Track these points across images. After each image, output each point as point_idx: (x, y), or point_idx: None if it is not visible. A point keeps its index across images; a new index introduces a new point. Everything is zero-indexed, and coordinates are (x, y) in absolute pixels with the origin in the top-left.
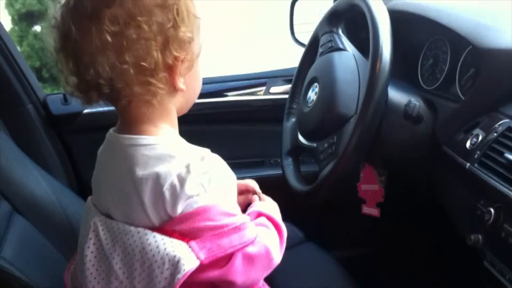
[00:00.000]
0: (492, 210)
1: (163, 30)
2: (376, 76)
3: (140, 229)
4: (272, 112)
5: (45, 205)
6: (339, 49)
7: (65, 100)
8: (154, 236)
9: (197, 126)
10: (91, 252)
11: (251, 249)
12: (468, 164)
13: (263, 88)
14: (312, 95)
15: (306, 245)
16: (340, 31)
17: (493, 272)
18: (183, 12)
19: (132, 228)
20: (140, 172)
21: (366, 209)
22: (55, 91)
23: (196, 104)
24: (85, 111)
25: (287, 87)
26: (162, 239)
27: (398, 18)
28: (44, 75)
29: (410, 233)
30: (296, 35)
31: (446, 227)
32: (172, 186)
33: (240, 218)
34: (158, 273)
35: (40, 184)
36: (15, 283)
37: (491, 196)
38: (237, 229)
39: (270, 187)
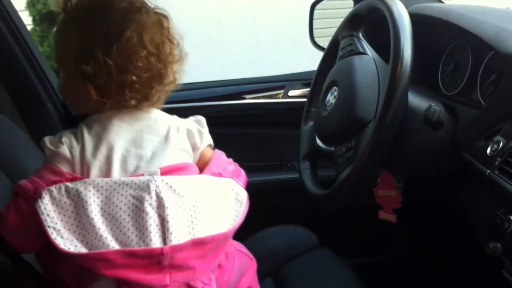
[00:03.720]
0: None
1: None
2: (396, 80)
3: (207, 175)
4: (290, 115)
5: None
6: (359, 53)
7: None
8: (218, 180)
9: (214, 128)
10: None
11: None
12: (488, 171)
13: (282, 91)
14: (331, 98)
15: (320, 250)
16: (360, 35)
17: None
18: None
19: (198, 176)
20: (174, 127)
21: (382, 215)
22: None
23: (213, 106)
24: None
25: (306, 90)
26: (222, 179)
27: (420, 22)
28: None
29: (427, 241)
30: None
31: (464, 235)
32: (198, 131)
33: None
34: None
35: None
36: None
37: (511, 204)
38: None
39: (286, 190)
